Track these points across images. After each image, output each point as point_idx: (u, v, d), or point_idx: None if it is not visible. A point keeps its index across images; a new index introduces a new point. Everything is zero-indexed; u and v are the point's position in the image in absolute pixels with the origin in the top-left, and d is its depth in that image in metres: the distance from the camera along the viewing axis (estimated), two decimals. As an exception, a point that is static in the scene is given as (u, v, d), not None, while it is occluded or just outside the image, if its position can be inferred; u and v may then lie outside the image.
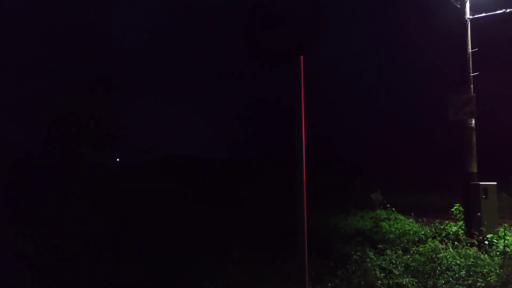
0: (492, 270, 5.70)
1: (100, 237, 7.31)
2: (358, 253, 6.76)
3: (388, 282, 5.43)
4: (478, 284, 5.28)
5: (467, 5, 8.71)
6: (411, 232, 8.92)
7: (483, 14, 8.71)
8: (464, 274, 5.65)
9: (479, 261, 6.07)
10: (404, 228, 9.52)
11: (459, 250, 6.71)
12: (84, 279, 5.47)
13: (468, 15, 8.70)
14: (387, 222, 10.76)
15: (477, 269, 5.75)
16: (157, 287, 5.45)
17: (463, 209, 8.71)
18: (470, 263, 6.00)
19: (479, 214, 7.77)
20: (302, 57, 3.10)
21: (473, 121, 8.45)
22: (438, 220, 9.20)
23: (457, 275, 5.62)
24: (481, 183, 8.12)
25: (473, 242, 7.08)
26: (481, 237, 7.29)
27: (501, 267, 5.78)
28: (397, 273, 5.81)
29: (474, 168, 8.36)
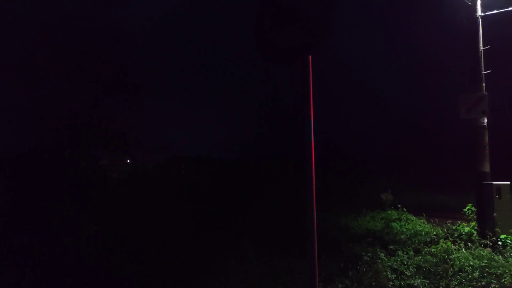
0: (507, 271, 5.60)
1: (109, 238, 7.35)
2: (369, 254, 6.70)
3: (400, 284, 5.37)
4: (492, 285, 5.20)
5: (478, 1, 8.59)
6: (423, 233, 8.82)
7: (495, 11, 8.58)
8: (478, 275, 5.57)
9: (492, 262, 5.97)
10: (416, 229, 9.42)
11: (472, 251, 6.62)
12: (91, 281, 5.52)
13: (479, 12, 8.58)
14: (398, 222, 10.66)
15: (491, 270, 5.66)
16: (171, 287, 5.48)
17: (475, 209, 8.59)
18: (483, 264, 5.91)
19: (494, 214, 7.64)
20: (311, 56, 3.09)
21: (485, 120, 8.32)
22: (450, 221, 9.09)
23: (470, 276, 5.54)
24: (494, 182, 7.98)
25: (487, 243, 6.98)
26: (494, 238, 7.17)
27: (515, 268, 5.68)
28: (409, 274, 5.75)
29: (487, 168, 8.23)
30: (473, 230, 8.09)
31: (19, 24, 7.59)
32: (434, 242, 7.68)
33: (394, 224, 10.33)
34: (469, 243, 7.09)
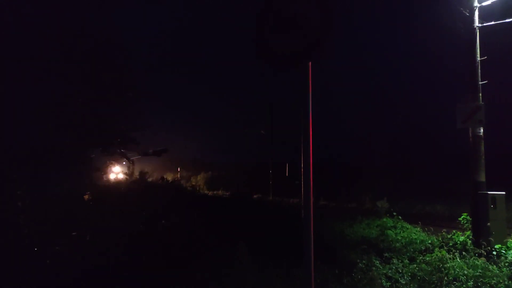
0: (501, 281, 5.61)
1: (104, 236, 7.29)
2: (364, 261, 6.69)
3: (394, 291, 5.36)
4: (486, 295, 5.20)
5: (476, 13, 8.68)
6: (418, 241, 8.82)
7: (492, 23, 8.67)
8: (472, 285, 5.57)
9: (487, 272, 5.98)
10: (411, 237, 9.42)
11: (467, 260, 6.62)
12: (85, 280, 5.48)
13: (477, 23, 8.67)
14: (393, 230, 10.66)
15: (485, 280, 5.66)
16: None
17: (470, 219, 8.61)
18: (478, 273, 5.92)
19: (488, 224, 7.67)
20: (310, 63, 3.11)
21: (482, 130, 8.37)
22: (445, 229, 9.10)
23: (464, 286, 5.55)
24: (489, 192, 8.02)
25: (481, 253, 6.99)
26: (489, 248, 7.19)
27: (509, 278, 5.70)
28: (404, 282, 5.74)
29: (483, 177, 8.27)
30: (468, 239, 8.10)
31: (18, 25, 7.60)
32: (429, 250, 7.69)
33: (389, 231, 10.32)
34: (463, 252, 7.10)
